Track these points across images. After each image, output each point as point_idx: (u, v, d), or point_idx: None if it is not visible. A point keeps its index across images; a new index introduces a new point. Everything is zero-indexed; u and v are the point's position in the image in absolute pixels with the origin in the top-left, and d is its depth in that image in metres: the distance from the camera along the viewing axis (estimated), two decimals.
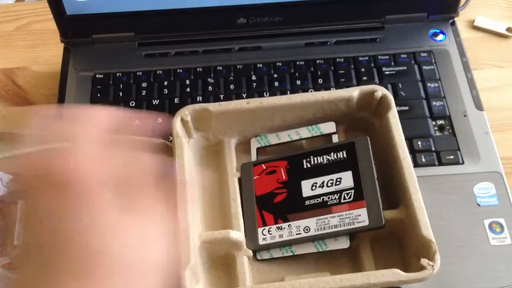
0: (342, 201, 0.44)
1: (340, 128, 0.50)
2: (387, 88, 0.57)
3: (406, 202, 0.43)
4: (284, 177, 0.47)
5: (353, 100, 0.48)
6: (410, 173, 0.44)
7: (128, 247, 0.26)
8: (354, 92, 0.48)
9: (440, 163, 0.52)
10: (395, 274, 0.39)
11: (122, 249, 0.26)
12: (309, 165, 0.47)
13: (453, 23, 0.62)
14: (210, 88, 0.58)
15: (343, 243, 0.43)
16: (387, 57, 0.60)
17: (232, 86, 0.58)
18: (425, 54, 0.60)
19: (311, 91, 0.57)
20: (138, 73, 0.59)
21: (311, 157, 0.47)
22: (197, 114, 0.47)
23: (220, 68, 0.59)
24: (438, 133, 0.54)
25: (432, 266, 0.40)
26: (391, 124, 0.46)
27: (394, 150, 0.45)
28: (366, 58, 0.60)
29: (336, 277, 0.40)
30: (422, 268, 0.40)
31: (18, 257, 0.28)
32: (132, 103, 0.57)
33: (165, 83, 0.59)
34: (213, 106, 0.47)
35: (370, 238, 0.45)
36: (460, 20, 0.64)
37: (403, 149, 0.45)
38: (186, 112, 0.46)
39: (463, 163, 0.52)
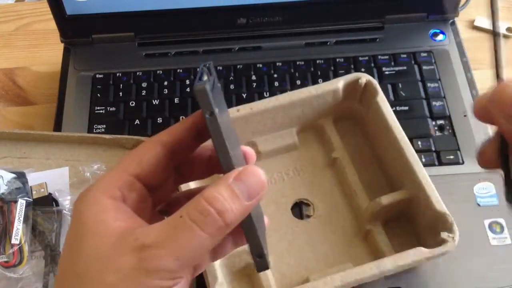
0: None
1: (329, 119, 0.51)
2: (387, 88, 0.57)
3: (412, 180, 0.44)
4: None
5: (339, 91, 0.48)
6: (411, 152, 0.44)
7: None
8: (339, 82, 0.48)
9: (440, 163, 0.52)
10: (419, 251, 0.40)
11: None
12: None
13: (453, 23, 0.62)
14: None
15: None
16: (387, 57, 0.60)
17: (232, 86, 0.58)
18: (425, 54, 0.60)
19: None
20: (138, 73, 0.59)
21: None
22: None
23: (220, 68, 0.59)
24: (438, 133, 0.54)
25: (453, 237, 0.41)
26: (381, 108, 0.47)
27: (390, 132, 0.45)
28: (366, 58, 0.60)
29: (365, 267, 0.40)
30: (443, 241, 0.41)
31: None
32: (132, 103, 0.57)
33: (165, 83, 0.59)
34: None
35: (381, 222, 0.45)
36: (460, 20, 0.64)
37: (399, 130, 0.46)
38: None
39: (463, 163, 0.52)
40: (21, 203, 0.46)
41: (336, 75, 0.59)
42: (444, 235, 0.41)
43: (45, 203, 0.47)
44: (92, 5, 0.58)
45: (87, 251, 0.25)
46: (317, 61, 0.60)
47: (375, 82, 0.48)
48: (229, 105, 0.57)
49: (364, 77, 0.48)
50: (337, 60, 0.60)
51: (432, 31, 0.62)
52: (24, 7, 0.70)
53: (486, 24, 0.65)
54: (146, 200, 0.29)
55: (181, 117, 0.56)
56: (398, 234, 0.46)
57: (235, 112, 0.47)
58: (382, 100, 0.47)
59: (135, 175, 0.28)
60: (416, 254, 0.40)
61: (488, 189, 0.50)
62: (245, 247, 0.36)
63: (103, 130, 0.55)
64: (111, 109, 0.57)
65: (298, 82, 0.58)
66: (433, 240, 0.42)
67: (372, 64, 0.59)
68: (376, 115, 0.47)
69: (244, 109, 0.47)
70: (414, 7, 0.61)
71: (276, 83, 0.58)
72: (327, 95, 0.49)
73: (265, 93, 0.58)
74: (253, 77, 0.59)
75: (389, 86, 0.57)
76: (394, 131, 0.45)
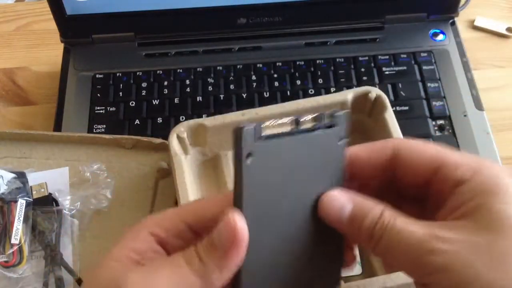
0: None
1: None
2: (387, 88, 0.57)
3: None
4: None
5: (348, 102, 0.48)
6: None
7: None
8: (348, 95, 0.48)
9: None
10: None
11: None
12: None
13: (453, 23, 0.62)
14: (210, 88, 0.58)
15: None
16: (387, 57, 0.60)
17: (232, 86, 0.58)
18: (425, 54, 0.60)
19: (311, 91, 0.57)
20: (138, 73, 0.59)
21: None
22: (192, 130, 0.47)
23: (220, 68, 0.59)
24: (438, 133, 0.54)
25: None
26: (389, 124, 0.46)
27: None
28: (366, 58, 0.60)
29: (352, 285, 0.39)
30: None
31: None
32: (132, 103, 0.57)
33: (165, 83, 0.59)
34: (208, 121, 0.46)
35: None
36: (460, 20, 0.64)
37: None
38: (182, 128, 0.46)
39: None
40: (21, 203, 0.46)
41: (336, 75, 0.59)
42: None
43: (45, 203, 0.47)
44: (92, 5, 0.58)
45: None
46: (317, 61, 0.60)
47: (384, 96, 0.47)
48: (229, 105, 0.57)
49: (374, 91, 0.47)
50: (337, 60, 0.60)
51: (432, 31, 0.62)
52: (24, 7, 0.70)
53: (486, 24, 0.65)
54: None
55: (181, 117, 0.56)
56: None
57: (239, 115, 0.47)
58: (390, 117, 0.47)
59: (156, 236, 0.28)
60: (406, 277, 0.39)
61: None
62: None
63: (103, 130, 0.55)
64: (111, 109, 0.57)
65: (298, 82, 0.58)
66: None
67: (372, 64, 0.59)
68: (382, 130, 0.47)
69: (249, 113, 0.47)
70: (414, 7, 0.61)
71: (276, 83, 0.58)
72: (335, 106, 0.48)
73: (265, 93, 0.58)
74: (253, 77, 0.59)
75: (389, 86, 0.57)
76: None
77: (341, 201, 0.28)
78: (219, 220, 0.25)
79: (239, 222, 0.25)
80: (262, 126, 0.25)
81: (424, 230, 0.25)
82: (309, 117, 0.27)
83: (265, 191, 0.26)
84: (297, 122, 0.27)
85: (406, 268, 0.26)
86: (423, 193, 0.29)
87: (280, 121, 0.26)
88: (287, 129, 0.26)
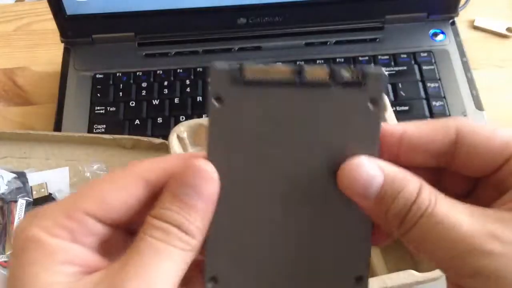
0: None
1: None
2: (387, 88, 0.57)
3: None
4: None
5: None
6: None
7: None
8: None
9: None
10: (410, 275, 0.39)
11: None
12: None
13: (453, 23, 0.62)
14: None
15: None
16: (387, 57, 0.60)
17: None
18: (425, 54, 0.60)
19: None
20: (138, 73, 0.59)
21: None
22: (192, 130, 0.47)
23: None
24: None
25: None
26: None
27: None
28: (366, 58, 0.60)
29: None
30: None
31: None
32: (132, 103, 0.57)
33: (165, 83, 0.59)
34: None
35: None
36: (460, 20, 0.64)
37: None
38: (182, 128, 0.46)
39: None
40: (21, 203, 0.46)
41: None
42: None
43: (45, 203, 0.47)
44: (92, 5, 0.58)
45: None
46: (317, 61, 0.60)
47: (384, 96, 0.48)
48: None
49: None
50: (337, 60, 0.60)
51: (432, 31, 0.62)
52: (24, 7, 0.70)
53: (486, 24, 0.65)
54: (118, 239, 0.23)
55: (181, 117, 0.56)
56: (394, 249, 0.45)
57: None
58: (390, 117, 0.47)
59: (92, 215, 0.22)
60: (406, 278, 0.39)
61: None
62: None
63: (103, 130, 0.55)
64: (111, 109, 0.57)
65: None
66: (428, 263, 0.40)
67: (372, 64, 0.59)
68: None
69: None
70: (414, 7, 0.61)
71: None
72: None
73: None
74: None
75: (389, 86, 0.57)
76: None
77: (370, 169, 0.22)
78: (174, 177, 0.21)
79: (206, 164, 0.22)
80: (243, 67, 0.22)
81: (474, 222, 0.21)
82: (319, 67, 0.23)
83: (244, 149, 0.22)
84: (299, 72, 0.22)
85: (441, 265, 0.22)
86: (473, 189, 0.25)
87: (275, 67, 0.22)
88: (284, 77, 0.22)
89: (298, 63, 0.23)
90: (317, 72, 0.22)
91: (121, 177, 0.23)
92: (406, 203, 0.21)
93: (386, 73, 0.23)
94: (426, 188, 0.22)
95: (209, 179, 0.22)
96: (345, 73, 0.22)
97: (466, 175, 0.24)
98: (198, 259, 0.23)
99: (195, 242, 0.22)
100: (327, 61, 0.60)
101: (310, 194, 0.23)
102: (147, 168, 0.23)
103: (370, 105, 0.22)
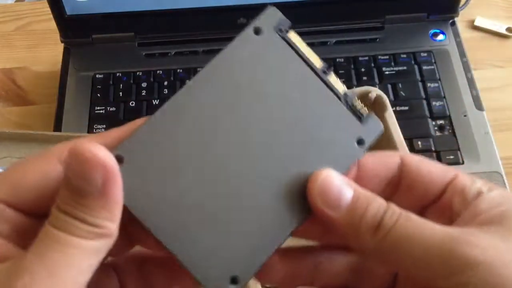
0: None
1: None
2: (387, 88, 0.57)
3: None
4: None
5: None
6: None
7: None
8: None
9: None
10: None
11: None
12: None
13: (453, 23, 0.62)
14: None
15: None
16: (387, 57, 0.60)
17: None
18: (425, 54, 0.60)
19: None
20: (138, 73, 0.59)
21: None
22: None
23: None
24: (438, 133, 0.54)
25: None
26: (389, 125, 0.46)
27: (395, 150, 0.45)
28: (366, 58, 0.60)
29: None
30: None
31: None
32: (132, 103, 0.57)
33: (165, 83, 0.59)
34: None
35: None
36: (460, 20, 0.64)
37: (405, 150, 0.45)
38: None
39: (463, 163, 0.52)
40: None
41: (336, 75, 0.58)
42: None
43: None
44: (92, 5, 0.58)
45: None
46: None
47: (385, 97, 0.47)
48: None
49: (374, 91, 0.47)
50: (337, 60, 0.60)
51: (432, 31, 0.62)
52: (24, 7, 0.70)
53: (486, 24, 0.65)
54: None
55: None
56: None
57: None
58: (390, 116, 0.47)
59: (4, 201, 0.21)
60: None
61: None
62: None
63: (103, 130, 0.55)
64: (111, 109, 0.57)
65: None
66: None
67: (372, 64, 0.59)
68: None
69: None
70: (414, 7, 0.61)
71: None
72: None
73: None
74: None
75: (389, 86, 0.57)
76: (400, 149, 0.45)
77: (341, 183, 0.23)
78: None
79: (96, 150, 0.19)
80: (291, 27, 0.24)
81: (448, 229, 0.21)
82: (341, 82, 0.25)
83: (236, 87, 0.23)
84: (326, 68, 0.25)
85: (423, 268, 0.21)
86: (422, 211, 0.25)
87: (311, 50, 0.24)
88: (313, 62, 0.25)
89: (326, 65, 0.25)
90: (338, 82, 0.25)
91: (36, 159, 0.21)
92: (380, 209, 0.22)
93: (382, 127, 0.25)
94: (394, 205, 0.23)
95: (100, 168, 0.19)
96: (354, 102, 0.25)
97: (412, 203, 0.25)
98: (161, 255, 0.22)
99: (98, 230, 0.20)
100: (327, 61, 0.59)
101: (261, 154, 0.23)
102: (64, 149, 0.21)
103: (355, 143, 0.24)
